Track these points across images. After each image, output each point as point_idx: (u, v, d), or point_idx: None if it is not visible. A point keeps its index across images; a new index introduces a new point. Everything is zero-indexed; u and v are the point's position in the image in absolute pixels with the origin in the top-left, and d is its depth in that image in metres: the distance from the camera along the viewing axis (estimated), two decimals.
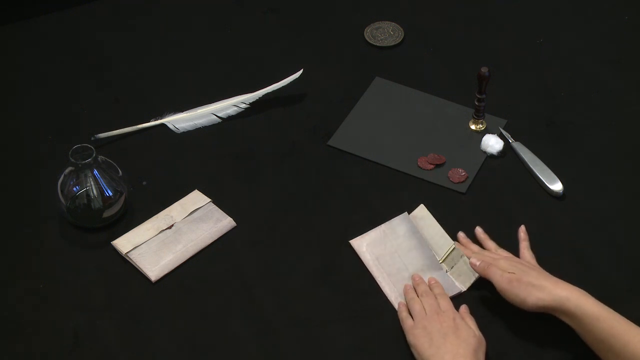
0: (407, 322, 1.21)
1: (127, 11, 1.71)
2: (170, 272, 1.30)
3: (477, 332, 1.18)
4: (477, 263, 1.24)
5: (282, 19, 1.69)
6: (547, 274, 1.22)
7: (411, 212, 1.35)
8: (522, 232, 1.31)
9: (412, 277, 1.28)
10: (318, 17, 1.70)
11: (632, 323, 1.13)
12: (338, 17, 1.70)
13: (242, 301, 1.26)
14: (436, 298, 1.23)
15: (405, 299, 1.25)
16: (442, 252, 1.30)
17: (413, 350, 1.18)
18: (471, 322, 1.20)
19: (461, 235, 1.33)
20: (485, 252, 1.29)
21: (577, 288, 1.17)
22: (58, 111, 1.52)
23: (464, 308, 1.23)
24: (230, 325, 1.24)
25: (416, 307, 1.22)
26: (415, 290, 1.26)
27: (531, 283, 1.18)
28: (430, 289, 1.25)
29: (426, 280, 1.27)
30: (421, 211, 1.34)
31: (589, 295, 1.16)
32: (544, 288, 1.17)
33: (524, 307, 1.18)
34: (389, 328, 1.22)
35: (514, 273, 1.20)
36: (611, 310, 1.14)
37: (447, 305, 1.22)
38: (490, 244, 1.31)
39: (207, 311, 1.25)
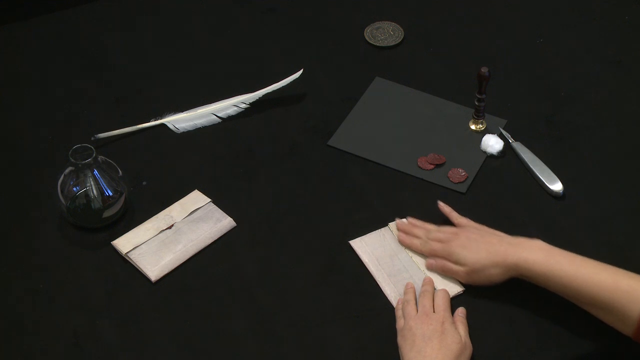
0: (399, 322, 1.22)
1: (127, 11, 1.71)
2: (170, 272, 1.30)
3: (465, 339, 1.18)
4: (433, 263, 1.28)
5: (282, 19, 1.69)
6: (489, 234, 1.26)
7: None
8: (444, 206, 1.33)
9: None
10: (318, 17, 1.70)
11: (579, 263, 1.18)
12: (338, 17, 1.70)
13: (242, 301, 1.26)
14: (434, 297, 1.24)
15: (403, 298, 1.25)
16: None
17: (399, 350, 1.18)
18: (462, 328, 1.20)
19: (399, 222, 1.33)
20: (432, 242, 1.29)
21: (525, 244, 1.22)
22: (58, 111, 1.52)
23: (460, 312, 1.23)
24: (230, 325, 1.24)
25: (408, 309, 1.22)
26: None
27: (485, 267, 1.23)
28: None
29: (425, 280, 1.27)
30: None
31: (537, 247, 1.21)
32: (497, 264, 1.22)
33: (493, 285, 1.24)
34: (389, 328, 1.22)
35: (465, 265, 1.24)
36: (558, 258, 1.19)
37: (442, 306, 1.22)
38: (430, 226, 1.32)
39: (207, 311, 1.25)
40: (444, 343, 1.15)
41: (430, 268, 1.28)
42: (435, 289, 1.26)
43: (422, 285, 1.26)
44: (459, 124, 1.50)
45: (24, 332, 1.23)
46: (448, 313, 1.21)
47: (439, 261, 1.27)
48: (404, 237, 1.32)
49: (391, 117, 1.51)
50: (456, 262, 1.25)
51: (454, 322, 1.20)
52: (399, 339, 1.19)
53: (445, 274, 1.27)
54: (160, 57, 1.62)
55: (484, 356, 1.20)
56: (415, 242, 1.30)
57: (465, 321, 1.21)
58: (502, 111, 1.51)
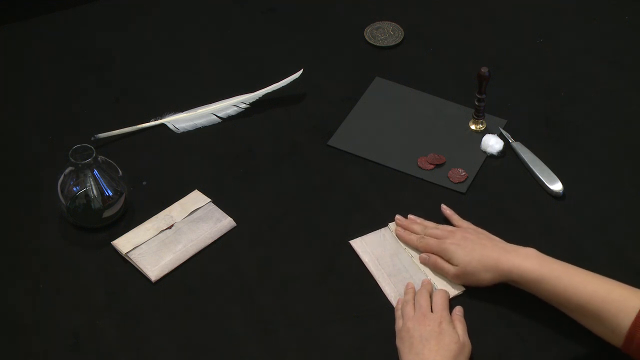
0: (397, 323, 1.21)
1: (127, 11, 1.71)
2: (170, 272, 1.30)
3: (463, 339, 1.18)
4: (426, 257, 1.29)
5: (282, 19, 1.69)
6: (484, 237, 1.27)
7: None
8: (446, 209, 1.34)
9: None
10: (318, 17, 1.70)
11: (572, 272, 1.18)
12: (338, 17, 1.70)
13: (242, 301, 1.26)
14: (431, 295, 1.23)
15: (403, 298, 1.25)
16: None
17: (398, 352, 1.18)
18: (460, 327, 1.19)
19: (399, 217, 1.34)
20: (427, 238, 1.29)
21: (519, 251, 1.22)
22: (58, 111, 1.52)
23: (457, 310, 1.23)
24: (230, 325, 1.24)
25: (406, 309, 1.21)
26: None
27: (476, 271, 1.23)
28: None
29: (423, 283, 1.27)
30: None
31: (533, 255, 1.21)
32: (489, 269, 1.22)
33: (481, 287, 1.24)
34: (389, 328, 1.22)
35: (457, 266, 1.24)
36: (551, 266, 1.19)
37: (440, 306, 1.21)
38: (429, 223, 1.33)
39: (207, 311, 1.25)
40: (441, 344, 1.15)
41: (423, 262, 1.29)
42: (434, 289, 1.26)
43: (420, 285, 1.26)
44: (459, 124, 1.50)
45: (24, 332, 1.23)
46: (446, 312, 1.21)
47: (432, 257, 1.28)
48: (401, 231, 1.32)
49: (391, 117, 1.51)
50: (449, 261, 1.26)
51: (451, 322, 1.19)
52: (397, 341, 1.19)
53: (437, 271, 1.27)
54: (160, 57, 1.62)
55: (484, 356, 1.19)
56: (412, 238, 1.31)
57: (463, 320, 1.21)
58: (502, 111, 1.51)
